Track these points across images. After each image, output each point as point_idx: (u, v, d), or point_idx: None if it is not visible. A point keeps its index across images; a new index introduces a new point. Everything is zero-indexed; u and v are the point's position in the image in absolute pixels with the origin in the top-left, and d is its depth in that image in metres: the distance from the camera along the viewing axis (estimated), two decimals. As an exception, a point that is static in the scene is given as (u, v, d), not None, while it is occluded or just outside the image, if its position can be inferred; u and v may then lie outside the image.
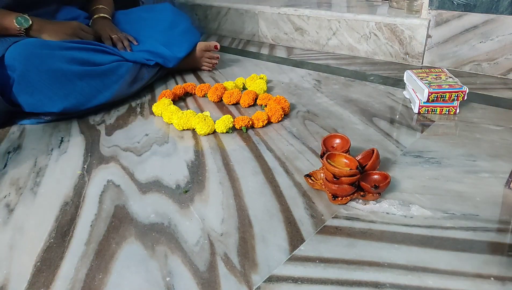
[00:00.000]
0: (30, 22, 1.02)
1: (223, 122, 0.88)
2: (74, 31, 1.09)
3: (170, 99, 1.03)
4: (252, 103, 1.04)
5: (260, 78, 1.18)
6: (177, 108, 0.96)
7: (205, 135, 0.88)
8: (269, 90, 1.14)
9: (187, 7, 2.04)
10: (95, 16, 1.22)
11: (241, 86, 1.15)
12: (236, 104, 1.06)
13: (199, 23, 2.01)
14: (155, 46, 1.17)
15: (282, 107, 0.95)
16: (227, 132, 0.89)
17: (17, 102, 0.94)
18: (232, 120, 0.89)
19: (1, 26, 1.01)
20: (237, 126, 0.90)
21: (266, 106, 0.99)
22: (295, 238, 0.56)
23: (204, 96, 1.12)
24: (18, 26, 1.01)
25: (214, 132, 0.89)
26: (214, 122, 0.90)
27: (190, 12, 2.04)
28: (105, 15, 1.23)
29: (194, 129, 0.90)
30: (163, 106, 0.98)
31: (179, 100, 1.11)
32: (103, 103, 1.02)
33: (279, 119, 0.93)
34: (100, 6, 1.25)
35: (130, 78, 1.08)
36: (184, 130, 0.91)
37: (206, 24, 1.99)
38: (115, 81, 1.04)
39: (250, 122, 0.90)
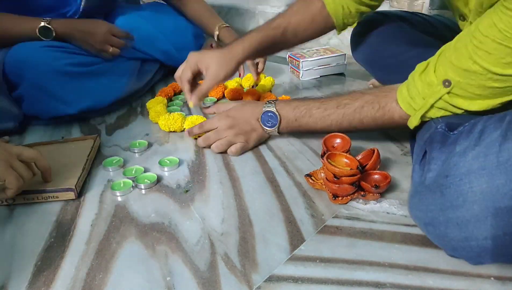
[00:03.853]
0: (54, 35, 0.95)
1: None
2: (104, 39, 0.99)
3: (164, 98, 1.03)
4: None
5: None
6: (163, 107, 0.95)
7: (195, 138, 0.87)
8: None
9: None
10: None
11: (249, 85, 1.15)
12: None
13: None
14: (166, 47, 1.17)
15: None
16: None
17: (32, 113, 0.94)
18: None
19: (20, 33, 0.93)
20: None
21: None
22: (295, 237, 0.56)
23: None
24: (43, 39, 0.94)
25: None
26: None
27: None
28: None
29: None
30: (156, 112, 0.95)
31: (174, 98, 1.10)
32: (118, 99, 1.03)
33: None
34: None
35: (134, 73, 1.08)
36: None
37: (206, 23, 1.99)
38: (120, 76, 1.04)
39: None
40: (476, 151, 0.45)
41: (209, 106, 0.89)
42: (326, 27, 0.86)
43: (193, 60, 0.81)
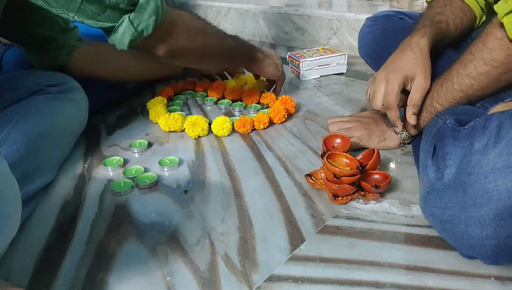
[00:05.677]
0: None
1: (220, 125, 0.85)
2: None
3: (164, 98, 1.03)
4: (256, 102, 1.03)
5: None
6: (163, 107, 0.94)
7: (195, 138, 0.87)
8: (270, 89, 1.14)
9: (187, 7, 2.04)
10: None
11: (244, 82, 1.15)
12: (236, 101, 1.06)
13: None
14: None
15: (287, 108, 0.93)
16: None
17: None
18: (231, 122, 0.87)
19: None
20: (237, 130, 0.88)
21: (268, 105, 0.99)
22: (295, 237, 0.56)
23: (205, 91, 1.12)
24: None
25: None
26: (211, 122, 0.88)
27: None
28: None
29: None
30: (156, 112, 0.95)
31: (174, 98, 1.10)
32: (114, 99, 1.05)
33: (282, 121, 0.91)
34: None
35: None
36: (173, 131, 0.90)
37: (206, 23, 1.98)
38: None
39: (251, 126, 0.88)
40: (498, 149, 0.45)
41: None
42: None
43: (395, 80, 0.70)
